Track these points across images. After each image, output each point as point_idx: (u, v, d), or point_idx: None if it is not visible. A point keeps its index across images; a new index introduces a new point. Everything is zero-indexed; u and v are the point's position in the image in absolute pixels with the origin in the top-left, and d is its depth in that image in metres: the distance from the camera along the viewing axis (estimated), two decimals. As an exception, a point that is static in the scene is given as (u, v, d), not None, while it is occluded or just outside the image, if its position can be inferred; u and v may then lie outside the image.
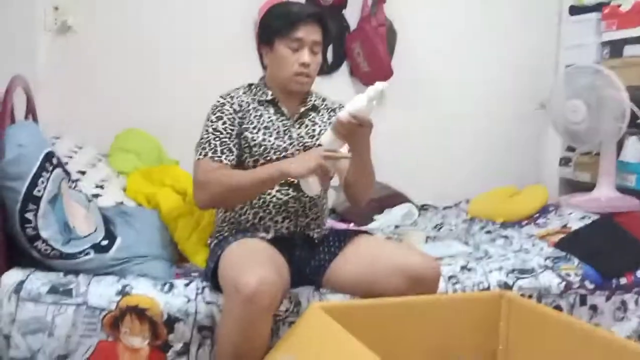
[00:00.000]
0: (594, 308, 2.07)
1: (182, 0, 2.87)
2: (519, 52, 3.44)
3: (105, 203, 2.06)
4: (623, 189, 2.97)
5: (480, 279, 1.97)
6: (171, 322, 1.64)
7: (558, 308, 2.02)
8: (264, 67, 1.88)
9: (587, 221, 2.49)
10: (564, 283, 2.04)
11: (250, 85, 1.89)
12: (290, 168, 1.60)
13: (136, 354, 1.62)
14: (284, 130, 1.81)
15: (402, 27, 3.17)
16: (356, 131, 1.61)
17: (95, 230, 1.77)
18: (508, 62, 3.43)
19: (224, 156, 1.73)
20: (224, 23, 2.91)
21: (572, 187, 3.44)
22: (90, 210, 1.83)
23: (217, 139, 1.74)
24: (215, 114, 1.78)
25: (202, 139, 1.76)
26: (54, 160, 1.71)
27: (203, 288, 1.72)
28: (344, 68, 3.15)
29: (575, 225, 2.49)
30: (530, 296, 2.00)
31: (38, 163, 1.63)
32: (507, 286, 1.98)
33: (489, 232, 2.58)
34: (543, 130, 3.46)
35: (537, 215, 2.74)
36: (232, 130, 1.77)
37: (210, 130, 1.75)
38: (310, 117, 1.88)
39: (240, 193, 1.69)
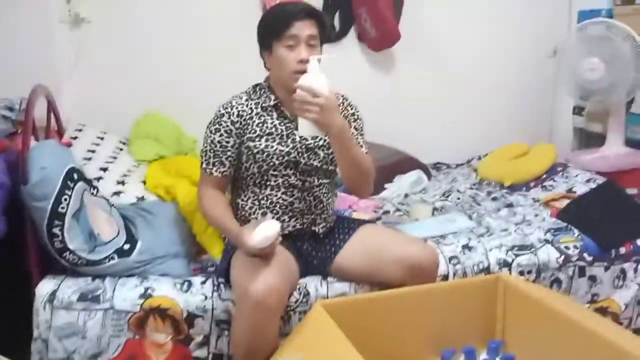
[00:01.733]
0: (592, 278, 2.17)
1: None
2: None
3: (126, 199, 2.20)
4: (634, 142, 3.00)
5: (480, 258, 2.08)
6: (191, 318, 1.81)
7: (557, 281, 2.13)
8: (268, 70, 1.94)
9: (592, 185, 2.55)
10: (562, 257, 2.13)
11: (255, 86, 1.96)
12: (240, 244, 1.71)
13: (161, 348, 1.80)
14: (287, 134, 1.89)
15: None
16: (313, 107, 1.65)
17: (117, 234, 1.92)
18: (518, 10, 3.40)
19: (214, 168, 1.87)
20: (238, 5, 2.96)
21: (586, 137, 3.47)
22: (112, 214, 1.98)
23: (212, 151, 1.87)
24: (214, 125, 1.88)
25: (202, 147, 1.91)
26: (75, 176, 1.84)
27: (218, 285, 1.87)
28: (352, 34, 3.17)
29: (580, 189, 2.56)
30: (529, 272, 2.11)
31: (60, 182, 1.77)
32: (506, 264, 2.09)
33: (495, 198, 2.66)
34: (556, 79, 3.45)
35: (545, 176, 2.81)
36: (227, 142, 1.87)
37: (208, 141, 1.88)
38: None
39: (211, 224, 1.95)
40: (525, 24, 3.43)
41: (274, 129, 1.89)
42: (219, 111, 1.89)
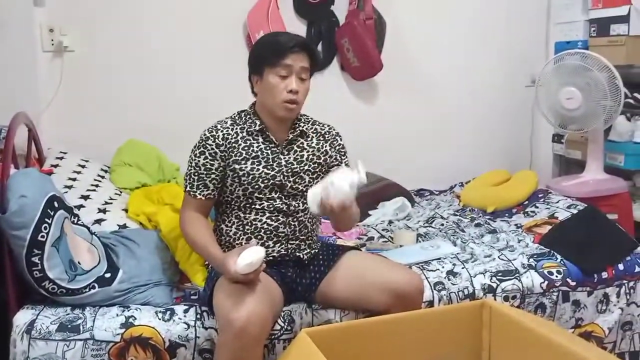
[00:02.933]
0: (576, 303, 2.18)
1: (176, 14, 2.93)
2: (508, 30, 3.49)
3: (108, 227, 2.17)
4: (612, 169, 3.04)
5: (465, 284, 2.08)
6: (173, 347, 1.77)
7: (541, 306, 2.13)
8: (255, 95, 1.95)
9: (574, 210, 2.58)
10: (546, 282, 2.14)
11: (241, 112, 1.96)
12: (224, 270, 1.69)
13: (143, 379, 1.76)
14: (273, 158, 1.89)
15: (391, 16, 3.21)
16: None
17: (98, 262, 1.89)
18: (499, 42, 3.47)
19: (198, 191, 1.87)
20: (219, 34, 2.99)
21: (565, 163, 3.52)
22: (93, 242, 1.95)
23: (196, 174, 1.87)
24: (198, 149, 1.88)
25: (187, 170, 1.90)
26: (56, 204, 1.82)
27: (201, 313, 1.84)
28: (335, 63, 3.20)
29: (561, 215, 2.58)
30: (514, 297, 2.10)
31: (40, 210, 1.74)
32: (491, 289, 2.09)
33: (478, 224, 2.67)
34: (536, 107, 3.51)
35: (527, 202, 2.83)
36: (211, 165, 1.86)
37: (193, 164, 1.88)
38: (299, 142, 1.95)
39: (194, 248, 1.90)
40: (506, 55, 3.51)
41: (260, 153, 1.89)
42: (204, 134, 1.89)
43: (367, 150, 3.03)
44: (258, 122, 1.91)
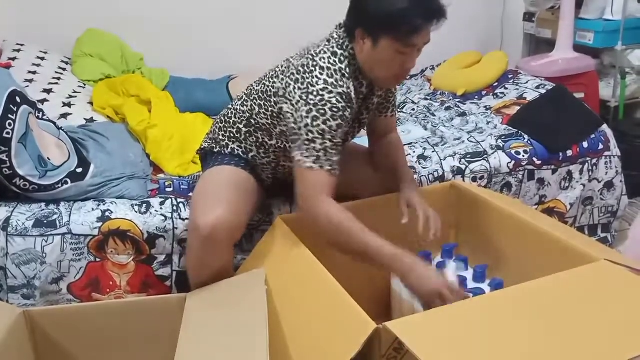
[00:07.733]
0: (541, 181, 2.25)
1: None
2: None
3: (75, 122, 2.13)
4: (581, 47, 3.04)
5: (435, 167, 2.12)
6: (152, 239, 1.80)
7: (507, 185, 2.20)
8: (350, 37, 1.58)
9: (542, 91, 2.59)
10: (513, 162, 2.20)
11: (351, 60, 1.58)
12: (410, 281, 1.44)
13: (124, 268, 1.80)
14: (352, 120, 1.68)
15: None
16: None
17: (68, 158, 1.86)
18: None
19: (338, 167, 1.54)
20: None
21: (536, 43, 3.50)
22: (61, 137, 1.91)
23: (334, 148, 1.51)
24: (335, 120, 1.50)
25: (313, 142, 1.49)
26: (18, 99, 1.75)
27: (178, 205, 1.86)
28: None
29: (530, 95, 2.59)
30: (481, 177, 2.16)
31: (2, 106, 1.68)
32: (460, 171, 2.13)
33: (448, 108, 2.69)
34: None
35: (497, 83, 2.84)
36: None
37: (328, 137, 1.50)
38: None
39: (346, 247, 1.51)
40: None
41: (351, 117, 1.60)
42: (338, 102, 1.51)
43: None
44: (365, 84, 1.63)
